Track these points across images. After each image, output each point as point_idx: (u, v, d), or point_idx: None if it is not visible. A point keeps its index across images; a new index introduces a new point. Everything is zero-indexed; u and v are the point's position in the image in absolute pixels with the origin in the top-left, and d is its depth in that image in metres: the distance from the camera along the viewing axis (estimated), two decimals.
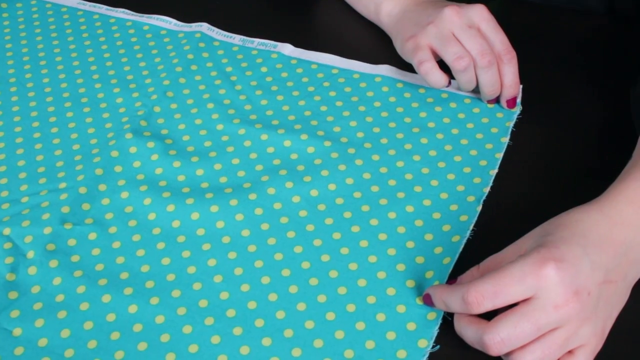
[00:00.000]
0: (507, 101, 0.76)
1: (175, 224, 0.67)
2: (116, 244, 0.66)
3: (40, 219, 0.67)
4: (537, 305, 0.53)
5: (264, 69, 0.82)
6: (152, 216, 0.68)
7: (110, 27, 0.89)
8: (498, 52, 0.73)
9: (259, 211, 0.68)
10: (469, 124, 0.75)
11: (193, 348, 0.59)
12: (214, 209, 0.68)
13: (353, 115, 0.76)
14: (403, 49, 0.78)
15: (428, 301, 0.60)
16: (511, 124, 0.75)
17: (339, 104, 0.78)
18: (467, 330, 0.56)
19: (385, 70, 0.81)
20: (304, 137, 0.74)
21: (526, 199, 0.69)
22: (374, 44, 0.85)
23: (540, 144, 0.74)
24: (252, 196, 0.69)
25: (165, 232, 0.67)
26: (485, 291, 0.54)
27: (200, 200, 0.69)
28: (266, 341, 0.59)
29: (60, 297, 0.62)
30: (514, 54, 0.74)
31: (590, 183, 0.69)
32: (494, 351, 0.54)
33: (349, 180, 0.70)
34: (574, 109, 0.75)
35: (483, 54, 0.72)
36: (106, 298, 0.62)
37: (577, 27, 0.86)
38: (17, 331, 0.60)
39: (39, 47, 0.86)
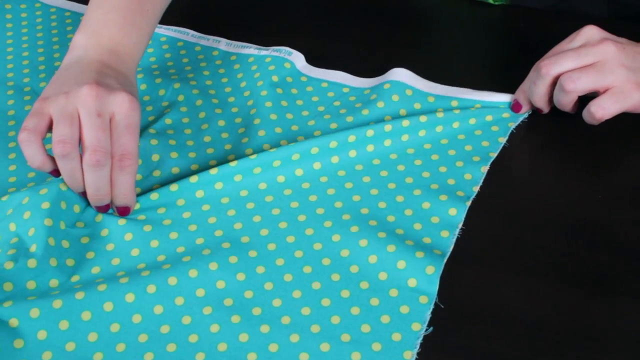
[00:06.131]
0: (117, 209, 0.66)
1: (174, 236, 0.67)
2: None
3: (41, 217, 0.65)
4: (582, 47, 0.69)
5: (275, 78, 0.81)
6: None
7: None
8: (115, 154, 0.63)
9: (257, 219, 0.68)
10: (472, 119, 0.75)
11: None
12: (212, 219, 0.68)
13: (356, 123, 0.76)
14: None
15: (517, 107, 0.75)
16: (514, 125, 0.75)
17: (349, 119, 0.77)
18: (526, 82, 0.74)
19: (396, 80, 0.79)
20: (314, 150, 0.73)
21: (521, 202, 0.69)
22: (384, 60, 0.83)
23: (541, 147, 0.75)
24: (250, 205, 0.69)
25: (168, 238, 0.67)
26: (545, 57, 0.72)
27: (198, 213, 0.69)
28: (265, 328, 0.60)
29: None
30: (132, 162, 0.64)
31: (592, 186, 0.70)
32: (544, 70, 0.70)
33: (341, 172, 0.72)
34: (577, 112, 0.74)
35: (94, 150, 0.62)
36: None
37: None
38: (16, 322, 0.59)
39: (39, 52, 0.86)
